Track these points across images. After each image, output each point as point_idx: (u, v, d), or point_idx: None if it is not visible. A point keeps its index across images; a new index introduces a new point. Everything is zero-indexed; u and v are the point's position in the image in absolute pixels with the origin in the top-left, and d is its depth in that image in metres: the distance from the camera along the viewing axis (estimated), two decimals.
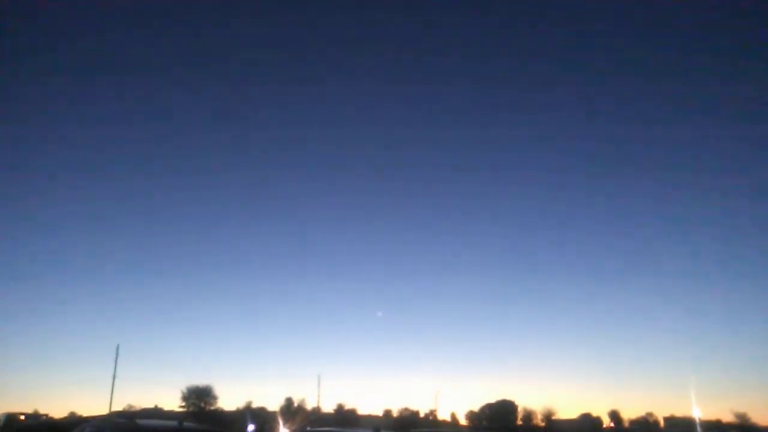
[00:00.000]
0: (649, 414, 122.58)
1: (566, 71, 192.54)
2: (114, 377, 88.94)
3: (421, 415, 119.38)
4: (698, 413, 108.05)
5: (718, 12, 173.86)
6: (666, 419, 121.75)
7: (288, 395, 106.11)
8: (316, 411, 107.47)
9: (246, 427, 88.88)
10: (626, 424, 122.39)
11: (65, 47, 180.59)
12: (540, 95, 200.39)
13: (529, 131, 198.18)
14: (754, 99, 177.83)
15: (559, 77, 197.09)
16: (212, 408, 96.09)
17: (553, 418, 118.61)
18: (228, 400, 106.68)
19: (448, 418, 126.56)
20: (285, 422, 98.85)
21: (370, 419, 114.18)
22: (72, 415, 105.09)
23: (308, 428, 79.75)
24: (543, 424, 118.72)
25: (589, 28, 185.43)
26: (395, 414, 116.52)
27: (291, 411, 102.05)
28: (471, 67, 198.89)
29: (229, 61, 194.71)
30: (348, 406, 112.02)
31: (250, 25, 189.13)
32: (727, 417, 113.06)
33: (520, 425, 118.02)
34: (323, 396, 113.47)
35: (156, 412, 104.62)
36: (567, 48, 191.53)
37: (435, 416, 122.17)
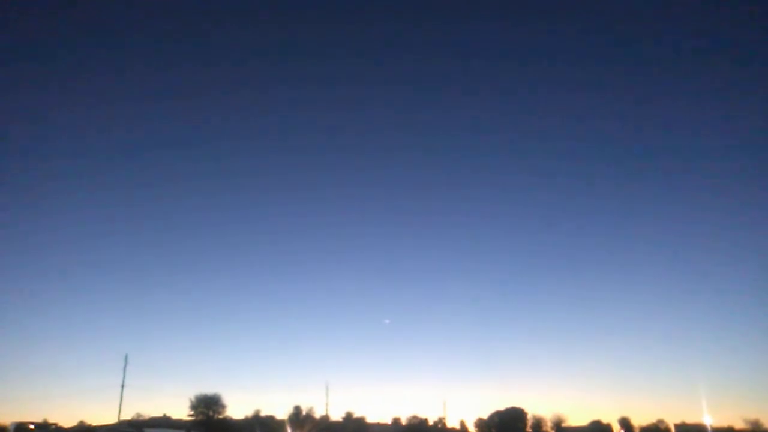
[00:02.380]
0: (660, 421, 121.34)
1: (568, 72, 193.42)
2: (123, 386, 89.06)
3: (430, 422, 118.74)
4: (709, 420, 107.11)
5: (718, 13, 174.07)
6: (677, 426, 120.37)
7: (296, 404, 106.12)
8: (325, 419, 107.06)
9: None
10: (637, 431, 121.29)
11: (68, 48, 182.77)
12: (542, 97, 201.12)
13: (529, 134, 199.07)
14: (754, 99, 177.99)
15: (561, 79, 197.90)
16: (220, 417, 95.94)
17: (563, 425, 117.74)
18: (236, 409, 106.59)
19: (457, 426, 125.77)
20: (293, 431, 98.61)
21: (379, 427, 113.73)
22: (81, 424, 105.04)
23: None
24: (553, 431, 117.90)
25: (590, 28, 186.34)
26: (404, 422, 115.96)
27: (299, 420, 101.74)
28: (474, 70, 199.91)
29: (231, 64, 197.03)
30: (357, 414, 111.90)
31: (252, 29, 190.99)
32: (739, 424, 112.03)
33: None
34: (331, 404, 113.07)
35: (164, 421, 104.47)
36: (568, 50, 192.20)
37: (444, 424, 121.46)
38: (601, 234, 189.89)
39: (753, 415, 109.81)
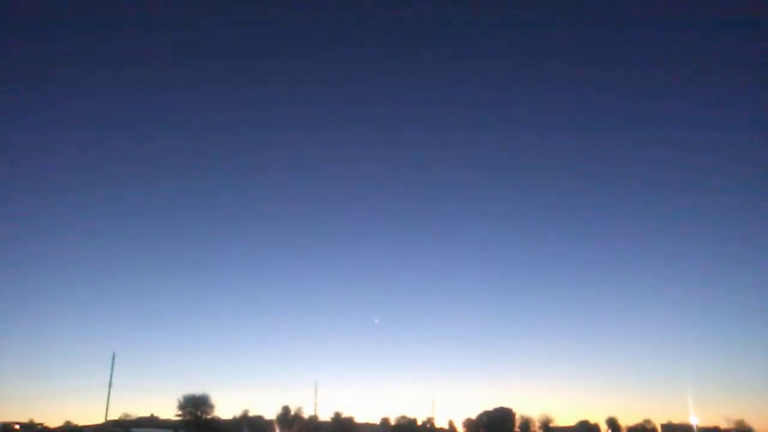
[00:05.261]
0: (647, 421, 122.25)
1: (566, 72, 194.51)
2: (110, 385, 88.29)
3: (419, 422, 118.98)
4: (696, 420, 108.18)
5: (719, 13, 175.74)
6: (663, 426, 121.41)
7: (285, 403, 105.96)
8: (314, 419, 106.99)
9: None
10: (624, 431, 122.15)
11: (68, 47, 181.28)
12: (539, 96, 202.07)
13: (527, 133, 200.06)
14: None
15: (559, 78, 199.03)
16: (208, 417, 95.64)
17: (551, 425, 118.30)
18: (224, 409, 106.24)
19: (446, 426, 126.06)
20: (282, 431, 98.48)
21: (367, 427, 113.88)
22: (67, 424, 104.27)
23: None
24: (541, 431, 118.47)
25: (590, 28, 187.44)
26: (393, 422, 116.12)
27: (288, 419, 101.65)
28: (471, 69, 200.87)
29: (232, 64, 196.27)
30: (345, 414, 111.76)
31: (252, 28, 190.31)
32: (724, 423, 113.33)
33: None
34: (320, 404, 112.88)
35: (152, 421, 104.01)
36: (567, 49, 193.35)
37: (432, 424, 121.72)
38: (590, 236, 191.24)
39: (737, 416, 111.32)
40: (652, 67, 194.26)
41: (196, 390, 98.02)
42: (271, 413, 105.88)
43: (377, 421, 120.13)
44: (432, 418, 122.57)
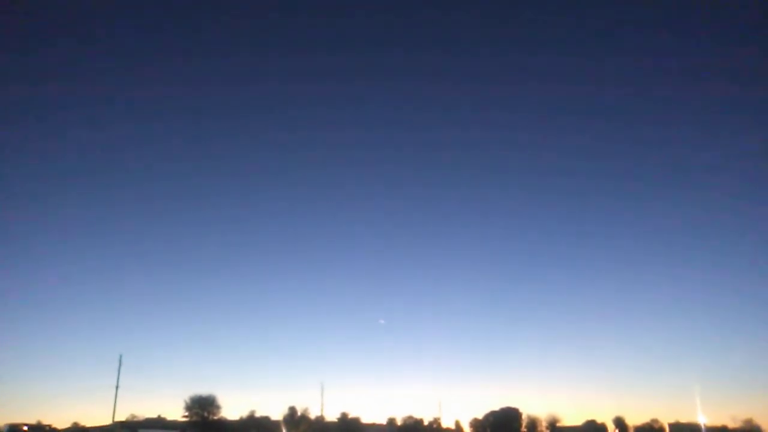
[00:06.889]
0: (654, 420, 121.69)
1: (568, 72, 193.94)
2: (117, 387, 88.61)
3: (425, 423, 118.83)
4: (703, 419, 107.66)
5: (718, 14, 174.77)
6: (671, 425, 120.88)
7: (291, 404, 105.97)
8: (320, 420, 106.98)
9: None
10: (631, 431, 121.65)
11: (72, 47, 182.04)
12: (540, 95, 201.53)
13: (528, 133, 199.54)
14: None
15: (560, 77, 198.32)
16: (215, 417, 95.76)
17: (558, 425, 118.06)
18: (231, 410, 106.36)
19: (453, 426, 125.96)
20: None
21: (374, 428, 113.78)
22: (75, 426, 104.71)
23: None
24: (548, 431, 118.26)
25: (590, 28, 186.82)
26: (399, 422, 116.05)
27: (294, 420, 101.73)
28: (472, 68, 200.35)
29: (233, 62, 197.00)
30: (352, 414, 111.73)
31: (254, 27, 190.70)
32: (731, 423, 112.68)
33: None
34: (326, 404, 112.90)
35: (159, 422, 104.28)
36: (569, 48, 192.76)
37: (439, 424, 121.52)
38: (596, 235, 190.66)
39: (745, 415, 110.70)
40: (652, 67, 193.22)
41: (203, 391, 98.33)
42: (277, 414, 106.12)
43: (384, 421, 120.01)
44: (438, 419, 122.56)
